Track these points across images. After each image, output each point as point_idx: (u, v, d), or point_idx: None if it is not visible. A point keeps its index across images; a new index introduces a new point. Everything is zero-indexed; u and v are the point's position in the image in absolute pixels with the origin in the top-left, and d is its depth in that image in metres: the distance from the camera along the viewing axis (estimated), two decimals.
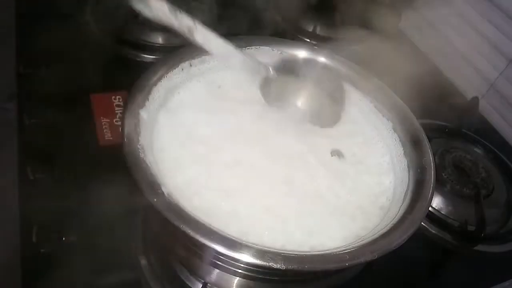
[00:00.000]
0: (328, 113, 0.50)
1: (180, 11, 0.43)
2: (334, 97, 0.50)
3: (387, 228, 0.37)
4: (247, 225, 0.38)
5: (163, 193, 0.34)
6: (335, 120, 0.49)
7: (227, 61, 0.48)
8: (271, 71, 0.49)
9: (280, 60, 0.50)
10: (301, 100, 0.51)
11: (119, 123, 0.63)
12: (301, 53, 0.51)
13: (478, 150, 0.73)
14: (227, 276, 0.39)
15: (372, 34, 0.93)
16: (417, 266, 0.57)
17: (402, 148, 0.46)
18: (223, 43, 0.46)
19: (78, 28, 0.75)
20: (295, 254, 0.34)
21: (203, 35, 0.44)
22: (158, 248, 0.51)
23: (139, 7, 0.41)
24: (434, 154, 0.43)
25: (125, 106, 0.40)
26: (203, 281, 0.46)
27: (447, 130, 0.74)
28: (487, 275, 0.59)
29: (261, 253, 0.32)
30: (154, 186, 0.34)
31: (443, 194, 0.63)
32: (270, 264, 0.32)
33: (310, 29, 0.88)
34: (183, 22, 0.43)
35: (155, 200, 0.33)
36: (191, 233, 0.32)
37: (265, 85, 0.49)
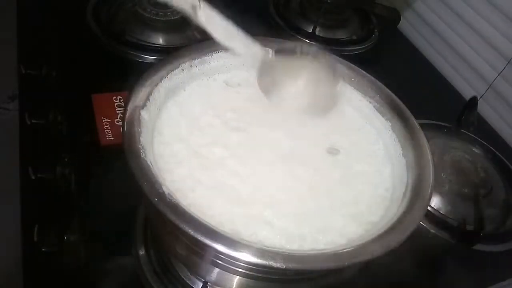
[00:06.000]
0: (323, 98, 0.49)
1: None
2: (329, 83, 0.49)
3: (386, 227, 0.37)
4: (241, 224, 0.38)
5: (164, 192, 0.34)
6: (330, 107, 0.49)
7: (229, 44, 0.46)
8: (271, 55, 0.48)
9: (279, 46, 0.49)
10: (298, 85, 0.49)
11: (120, 123, 0.63)
12: None
13: (476, 150, 0.73)
14: (227, 275, 0.39)
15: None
16: (416, 266, 0.57)
17: (401, 148, 0.46)
18: (226, 24, 0.45)
19: (80, 29, 0.76)
20: (295, 253, 0.34)
21: (206, 14, 0.43)
22: (158, 247, 0.51)
23: None
24: (432, 154, 0.43)
25: (126, 106, 0.41)
26: (203, 280, 0.46)
27: (445, 130, 0.75)
28: (486, 274, 0.60)
29: (261, 252, 0.32)
30: (155, 185, 0.35)
31: (442, 194, 0.64)
32: (270, 263, 0.32)
33: (310, 30, 0.88)
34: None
35: (156, 199, 0.34)
36: (192, 232, 0.32)
37: (263, 71, 0.49)
